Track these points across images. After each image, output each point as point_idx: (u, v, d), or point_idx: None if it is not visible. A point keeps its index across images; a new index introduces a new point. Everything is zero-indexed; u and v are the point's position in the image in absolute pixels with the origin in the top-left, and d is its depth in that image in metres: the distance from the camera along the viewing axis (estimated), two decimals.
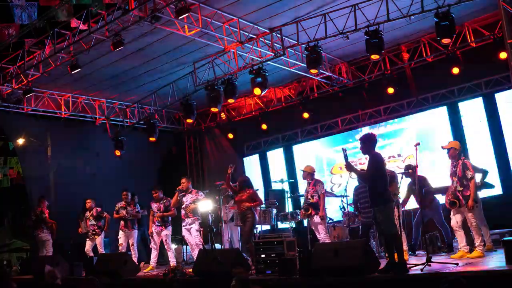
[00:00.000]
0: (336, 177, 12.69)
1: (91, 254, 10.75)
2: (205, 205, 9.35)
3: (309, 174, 9.24)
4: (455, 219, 7.48)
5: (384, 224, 6.41)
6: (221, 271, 7.16)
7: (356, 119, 12.53)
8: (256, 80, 10.00)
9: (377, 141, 6.80)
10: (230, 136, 14.25)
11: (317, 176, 9.56)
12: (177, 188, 9.46)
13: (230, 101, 10.51)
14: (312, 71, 9.66)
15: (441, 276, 5.95)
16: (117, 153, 12.36)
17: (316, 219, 8.88)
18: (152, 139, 12.12)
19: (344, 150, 6.88)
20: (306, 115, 12.37)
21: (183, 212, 9.45)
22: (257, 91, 10.08)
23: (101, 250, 10.88)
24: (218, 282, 7.00)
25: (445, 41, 8.49)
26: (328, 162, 12.93)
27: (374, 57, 9.08)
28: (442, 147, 7.64)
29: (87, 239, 10.99)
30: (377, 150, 6.74)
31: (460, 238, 7.47)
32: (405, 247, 7.78)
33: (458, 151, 7.52)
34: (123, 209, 10.47)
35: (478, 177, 7.63)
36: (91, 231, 10.96)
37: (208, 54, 10.55)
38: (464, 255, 7.27)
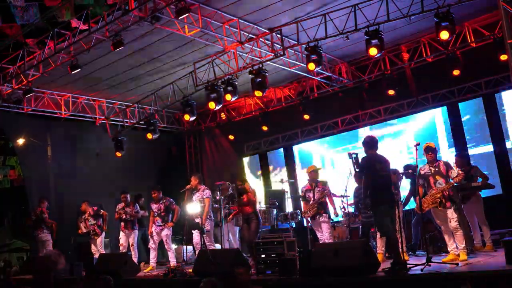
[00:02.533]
0: None
1: (97, 255, 10.75)
2: (193, 207, 9.30)
3: (317, 174, 9.24)
4: (441, 223, 7.33)
5: (376, 226, 6.47)
6: (221, 271, 7.16)
7: (356, 119, 12.52)
8: (256, 81, 9.99)
9: (373, 142, 6.87)
10: (230, 136, 14.24)
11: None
12: (186, 187, 9.45)
13: (227, 97, 10.37)
14: (310, 66, 9.55)
15: (441, 277, 5.97)
16: (118, 154, 12.32)
17: (323, 218, 8.85)
18: (149, 135, 12.00)
19: (351, 155, 6.92)
20: (306, 116, 12.30)
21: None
22: (257, 92, 10.07)
23: (101, 250, 10.88)
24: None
25: (444, 35, 8.32)
26: (330, 162, 12.92)
27: (373, 52, 8.93)
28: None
29: (90, 240, 11.02)
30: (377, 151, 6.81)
31: (450, 242, 7.27)
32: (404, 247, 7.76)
33: (437, 152, 7.56)
34: (122, 210, 10.51)
35: None
36: (91, 231, 10.98)
37: (208, 54, 10.55)
38: (456, 259, 7.03)
